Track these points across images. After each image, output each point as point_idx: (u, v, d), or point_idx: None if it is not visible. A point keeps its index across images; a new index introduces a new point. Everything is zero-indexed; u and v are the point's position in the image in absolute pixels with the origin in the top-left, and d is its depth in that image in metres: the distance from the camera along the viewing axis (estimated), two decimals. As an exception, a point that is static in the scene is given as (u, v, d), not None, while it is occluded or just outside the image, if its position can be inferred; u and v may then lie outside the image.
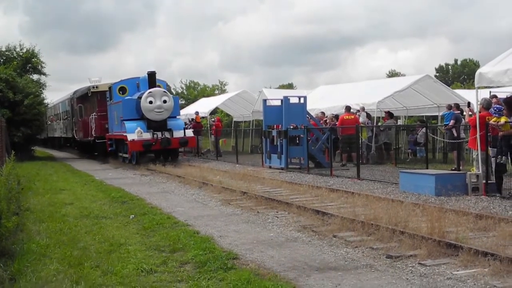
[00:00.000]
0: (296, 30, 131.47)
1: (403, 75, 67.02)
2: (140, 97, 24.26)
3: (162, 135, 23.79)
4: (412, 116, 30.67)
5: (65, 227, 9.97)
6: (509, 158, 12.12)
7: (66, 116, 38.07)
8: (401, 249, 7.64)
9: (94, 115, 29.20)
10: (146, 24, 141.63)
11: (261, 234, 9.18)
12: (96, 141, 28.97)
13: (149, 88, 24.22)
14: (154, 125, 23.99)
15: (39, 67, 37.61)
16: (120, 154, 26.38)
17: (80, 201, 13.59)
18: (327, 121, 23.20)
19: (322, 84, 35.53)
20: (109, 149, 27.43)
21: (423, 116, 29.70)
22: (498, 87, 14.03)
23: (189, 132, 25.67)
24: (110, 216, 11.31)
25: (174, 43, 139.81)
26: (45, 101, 34.70)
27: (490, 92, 17.05)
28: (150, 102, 23.78)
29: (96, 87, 29.76)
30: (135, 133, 23.23)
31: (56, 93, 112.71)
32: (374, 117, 22.55)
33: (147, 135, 23.55)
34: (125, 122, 24.24)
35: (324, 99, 26.21)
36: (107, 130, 28.25)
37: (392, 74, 77.53)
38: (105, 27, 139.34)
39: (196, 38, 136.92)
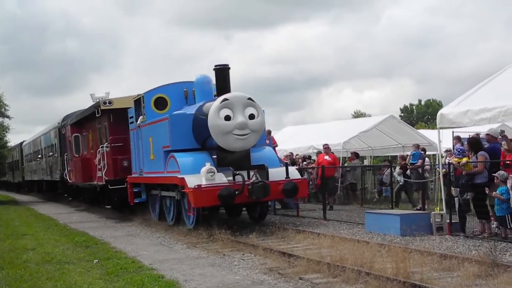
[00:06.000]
0: (263, 71, 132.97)
1: (369, 115, 67.98)
2: (201, 112, 14.51)
3: (251, 177, 13.75)
4: (377, 156, 31.00)
5: (26, 274, 9.74)
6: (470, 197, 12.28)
7: (51, 152, 29.47)
8: (366, 290, 7.64)
9: (106, 146, 19.91)
10: (113, 65, 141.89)
11: (227, 278, 9.08)
12: (110, 187, 19.33)
13: (219, 95, 14.29)
14: (230, 160, 14.10)
15: (3, 110, 37.14)
16: (153, 192, 16.89)
17: (43, 246, 13.31)
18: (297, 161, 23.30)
19: (289, 125, 35.79)
20: (135, 201, 17.74)
21: (388, 156, 30.05)
22: (460, 127, 14.30)
23: (294, 171, 15.13)
24: (73, 261, 11.11)
25: (142, 84, 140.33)
26: (9, 144, 34.10)
27: (453, 132, 17.34)
28: (227, 118, 13.63)
29: (110, 102, 19.47)
30: (202, 173, 13.33)
31: (20, 135, 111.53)
32: (340, 157, 22.72)
33: (221, 177, 13.61)
34: (175, 154, 14.57)
35: (291, 139, 26.37)
36: (128, 169, 18.61)
37: (358, 115, 78.49)
38: (71, 68, 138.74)
39: (163, 79, 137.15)
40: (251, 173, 13.84)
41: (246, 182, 13.29)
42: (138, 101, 16.84)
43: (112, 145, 19.63)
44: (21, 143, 41.53)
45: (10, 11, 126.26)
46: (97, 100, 20.27)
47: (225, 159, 14.11)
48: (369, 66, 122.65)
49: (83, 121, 23.13)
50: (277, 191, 13.78)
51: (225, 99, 13.69)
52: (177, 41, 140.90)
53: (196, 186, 13.10)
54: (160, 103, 16.14)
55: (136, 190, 17.64)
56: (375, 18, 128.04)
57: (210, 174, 13.29)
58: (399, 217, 12.78)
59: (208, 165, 13.42)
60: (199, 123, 14.37)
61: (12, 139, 38.37)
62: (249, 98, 14.02)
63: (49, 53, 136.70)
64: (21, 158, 41.03)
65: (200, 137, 14.62)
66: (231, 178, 13.58)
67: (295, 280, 8.58)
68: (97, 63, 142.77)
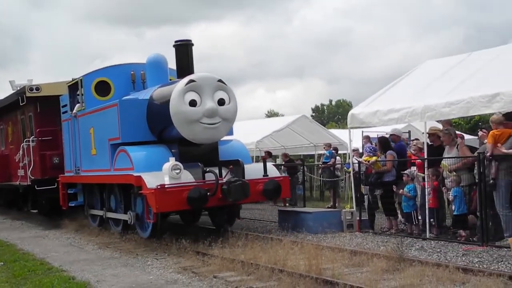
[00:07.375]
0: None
1: (282, 115, 68.90)
2: (157, 98, 12.37)
3: (224, 175, 11.59)
4: (290, 155, 31.43)
5: None
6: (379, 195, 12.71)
7: None
8: (280, 287, 7.73)
9: (31, 141, 17.21)
10: (19, 60, 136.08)
11: (140, 278, 8.97)
12: (36, 188, 16.64)
13: (180, 76, 12.16)
14: (195, 154, 11.91)
15: None
16: (93, 212, 14.66)
17: None
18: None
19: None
20: (70, 204, 15.36)
21: (300, 155, 30.56)
22: (369, 127, 14.75)
23: (273, 168, 12.97)
24: (-23, 265, 10.64)
25: (50, 80, 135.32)
26: None
27: (362, 132, 17.86)
28: (193, 104, 11.47)
29: (38, 88, 16.53)
30: (165, 170, 11.01)
31: None
32: (253, 156, 22.89)
33: (187, 176, 11.25)
34: (126, 148, 12.07)
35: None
36: (60, 167, 16.10)
37: (271, 114, 79.44)
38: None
39: (72, 75, 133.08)
40: (223, 171, 11.67)
41: (220, 181, 11.23)
42: (74, 86, 14.38)
43: (40, 138, 16.98)
44: None
45: None
46: (18, 88, 17.68)
47: (189, 154, 11.84)
48: (282, 66, 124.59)
49: (1, 112, 20.33)
50: (257, 192, 11.79)
51: (191, 81, 11.46)
52: (86, 37, 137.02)
53: (158, 187, 10.69)
54: (102, 89, 13.77)
55: (71, 192, 15.32)
56: (287, 19, 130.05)
57: (176, 171, 10.93)
58: (311, 215, 13.03)
59: (172, 161, 11.06)
60: (156, 110, 12.12)
61: None
62: (220, 80, 11.86)
63: None
64: None
65: (156, 128, 12.39)
66: (199, 176, 11.33)
67: (209, 279, 8.58)
68: (2, 58, 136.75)
